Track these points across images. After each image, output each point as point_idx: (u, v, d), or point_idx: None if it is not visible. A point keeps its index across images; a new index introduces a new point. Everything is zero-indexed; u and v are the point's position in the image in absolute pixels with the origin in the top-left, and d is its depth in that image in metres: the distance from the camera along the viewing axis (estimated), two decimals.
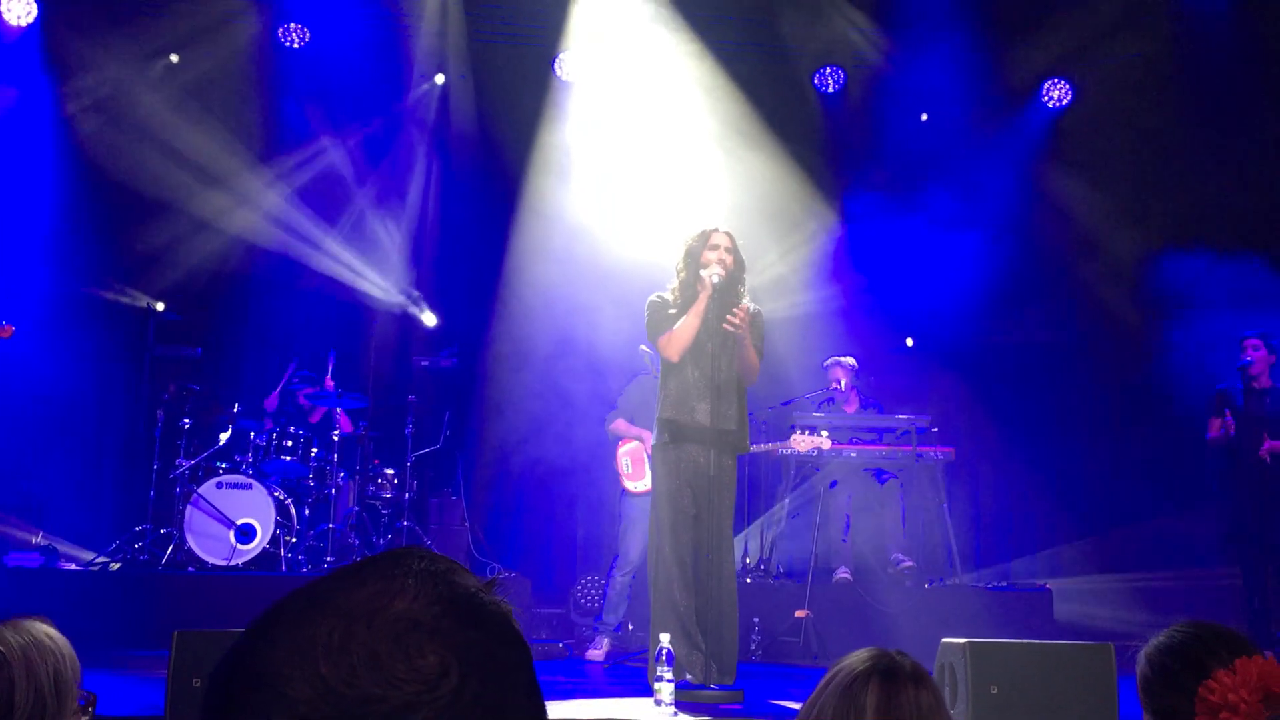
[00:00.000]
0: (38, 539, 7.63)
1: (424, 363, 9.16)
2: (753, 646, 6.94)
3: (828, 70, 9.54)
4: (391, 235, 9.57)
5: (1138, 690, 1.80)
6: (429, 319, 9.53)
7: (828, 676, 1.61)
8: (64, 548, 7.74)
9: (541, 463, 9.14)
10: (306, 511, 7.85)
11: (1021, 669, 3.88)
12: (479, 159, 9.60)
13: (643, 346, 6.90)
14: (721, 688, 4.82)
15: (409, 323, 9.55)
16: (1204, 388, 7.47)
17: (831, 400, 8.03)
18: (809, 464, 7.66)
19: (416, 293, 9.55)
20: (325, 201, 9.42)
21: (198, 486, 7.33)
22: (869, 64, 9.53)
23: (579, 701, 4.71)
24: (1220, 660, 1.63)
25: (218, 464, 7.62)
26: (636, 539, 6.84)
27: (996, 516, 9.38)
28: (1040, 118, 9.55)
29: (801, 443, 6.50)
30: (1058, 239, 9.65)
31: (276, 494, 7.47)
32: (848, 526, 7.74)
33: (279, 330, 9.30)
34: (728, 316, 4.99)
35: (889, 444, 7.68)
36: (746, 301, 5.25)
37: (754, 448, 5.57)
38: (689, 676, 4.88)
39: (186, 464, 7.56)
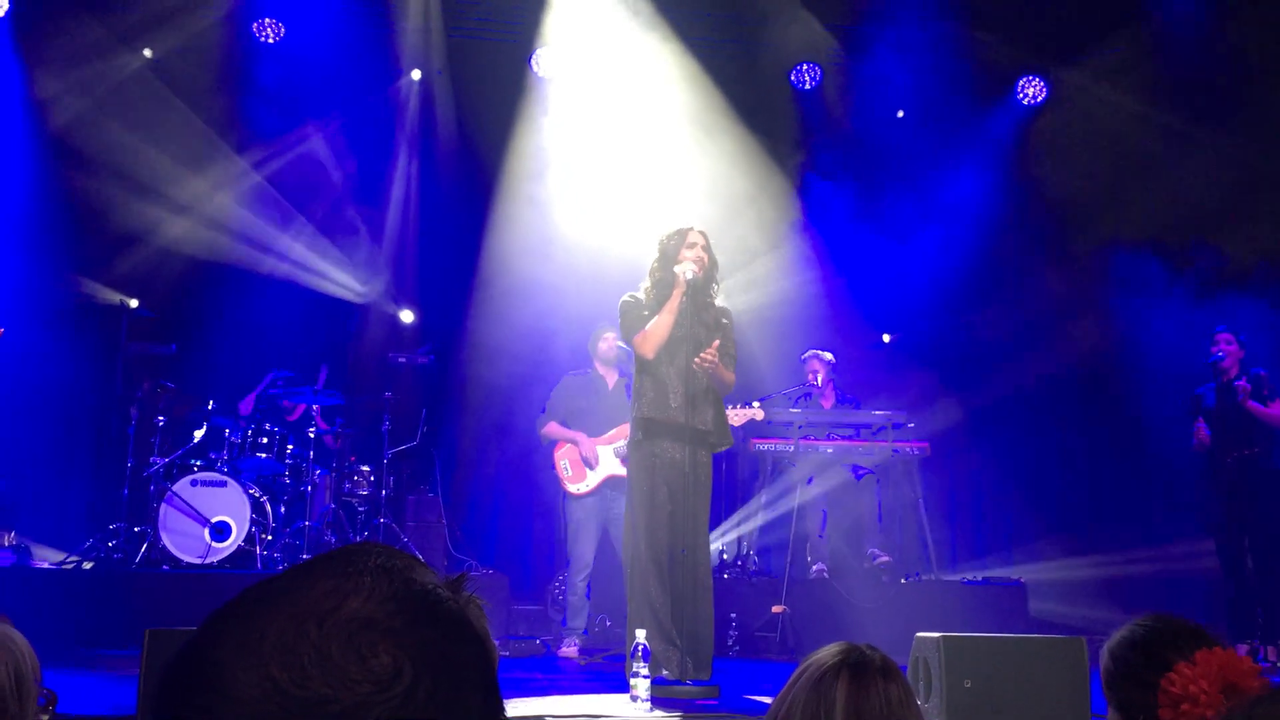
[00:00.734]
0: (10, 538, 7.56)
1: (401, 360, 9.12)
2: (729, 642, 6.95)
3: (804, 67, 9.55)
4: (367, 232, 9.53)
5: (1102, 685, 1.81)
6: (406, 316, 9.50)
7: (798, 671, 1.62)
8: (37, 547, 7.67)
9: (519, 460, 9.13)
10: (282, 509, 7.81)
11: (995, 663, 3.90)
12: (456, 155, 9.57)
13: (619, 343, 6.89)
14: (697, 683, 4.83)
15: (386, 320, 9.51)
16: (1176, 382, 7.52)
17: (808, 395, 8.04)
18: (785, 460, 7.67)
19: (394, 289, 9.52)
20: (301, 197, 9.38)
21: (172, 484, 7.28)
22: (845, 61, 9.55)
23: (555, 698, 4.70)
24: (1182, 653, 1.64)
25: (192, 461, 7.56)
26: (587, 540, 6.84)
27: (972, 511, 9.43)
28: (1015, 114, 9.60)
29: (735, 416, 6.49)
30: (1033, 235, 9.72)
31: (252, 491, 7.42)
32: (824, 522, 7.76)
33: (254, 327, 9.24)
34: (697, 359, 5.00)
35: (865, 439, 7.70)
36: (719, 301, 5.30)
37: None
38: (665, 672, 4.89)
39: (161, 461, 7.50)
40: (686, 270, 5.10)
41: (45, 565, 7.42)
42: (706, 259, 5.21)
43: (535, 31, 9.14)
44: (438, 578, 0.72)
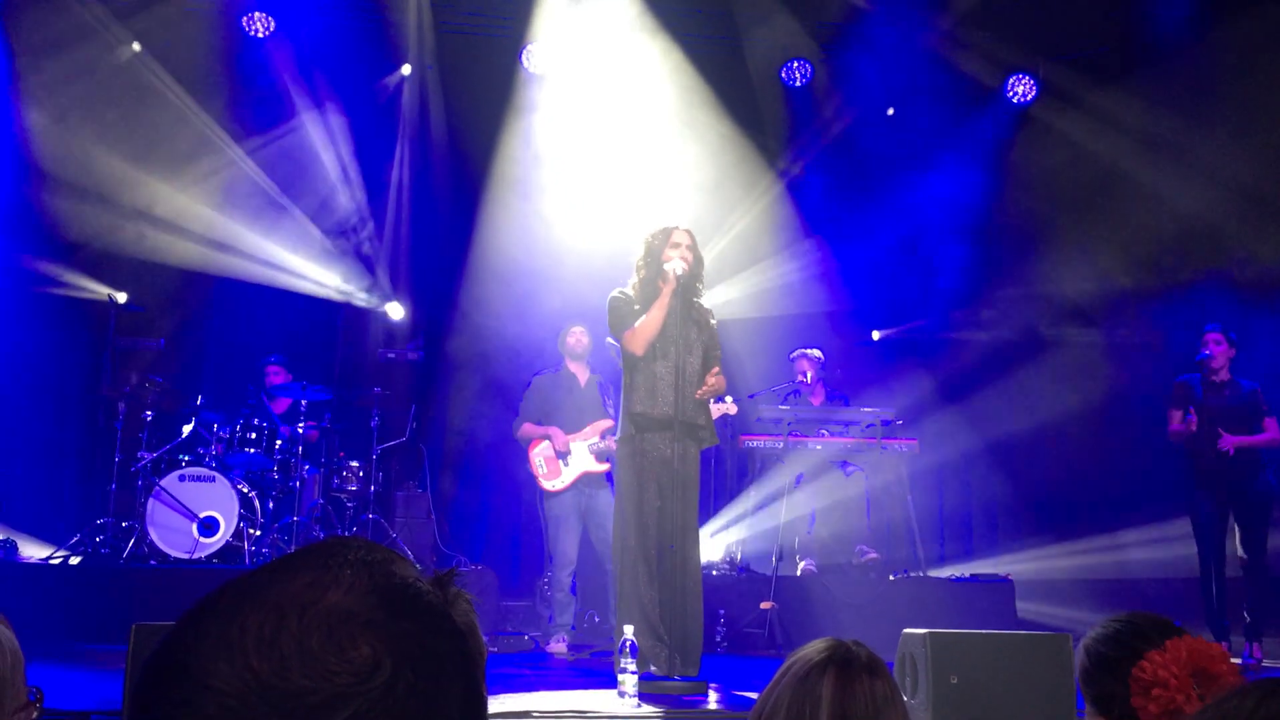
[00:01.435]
0: None
1: (390, 355, 9.11)
2: (718, 638, 6.96)
3: (795, 64, 9.55)
4: (357, 227, 9.51)
5: (1079, 682, 1.83)
6: (395, 311, 9.48)
7: (784, 667, 1.62)
8: (24, 541, 7.64)
9: (508, 456, 9.12)
10: (271, 504, 7.79)
11: (981, 659, 3.91)
12: (446, 150, 9.55)
13: (609, 339, 6.89)
14: (685, 679, 4.84)
15: (375, 315, 9.49)
16: (1165, 381, 7.54)
17: (797, 393, 8.06)
18: (774, 457, 7.69)
19: (384, 285, 9.50)
20: (290, 192, 9.34)
21: (160, 479, 7.25)
22: (836, 59, 9.56)
23: (543, 693, 4.71)
24: (1152, 644, 1.67)
25: (180, 456, 7.53)
26: (568, 536, 6.85)
27: (960, 509, 9.45)
28: (1005, 112, 9.61)
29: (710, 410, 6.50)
30: (1022, 233, 9.74)
31: (240, 487, 7.40)
32: (813, 519, 7.78)
33: (243, 322, 9.22)
34: (699, 392, 5.13)
35: (854, 436, 7.72)
36: (703, 301, 5.36)
37: None
38: (653, 668, 4.89)
39: (148, 456, 7.47)
40: (676, 267, 5.12)
41: (33, 560, 7.39)
42: (692, 257, 5.24)
43: (526, 26, 9.12)
44: (419, 571, 0.72)
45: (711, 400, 6.08)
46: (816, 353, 8.15)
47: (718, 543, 8.01)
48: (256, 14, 8.99)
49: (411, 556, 7.71)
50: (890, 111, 9.72)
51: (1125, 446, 8.79)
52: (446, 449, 9.25)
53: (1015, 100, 9.54)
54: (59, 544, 7.46)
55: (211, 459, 7.55)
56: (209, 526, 7.18)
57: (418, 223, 9.63)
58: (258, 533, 7.48)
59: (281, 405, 8.32)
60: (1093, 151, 9.14)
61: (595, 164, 8.99)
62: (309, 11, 9.05)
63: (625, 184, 8.77)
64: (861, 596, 7.14)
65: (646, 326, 5.13)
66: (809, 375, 8.02)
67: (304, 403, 7.94)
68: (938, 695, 3.83)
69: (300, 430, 7.84)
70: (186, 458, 7.52)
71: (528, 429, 7.03)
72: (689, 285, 5.21)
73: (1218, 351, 6.91)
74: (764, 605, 7.02)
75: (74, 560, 7.20)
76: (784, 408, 7.72)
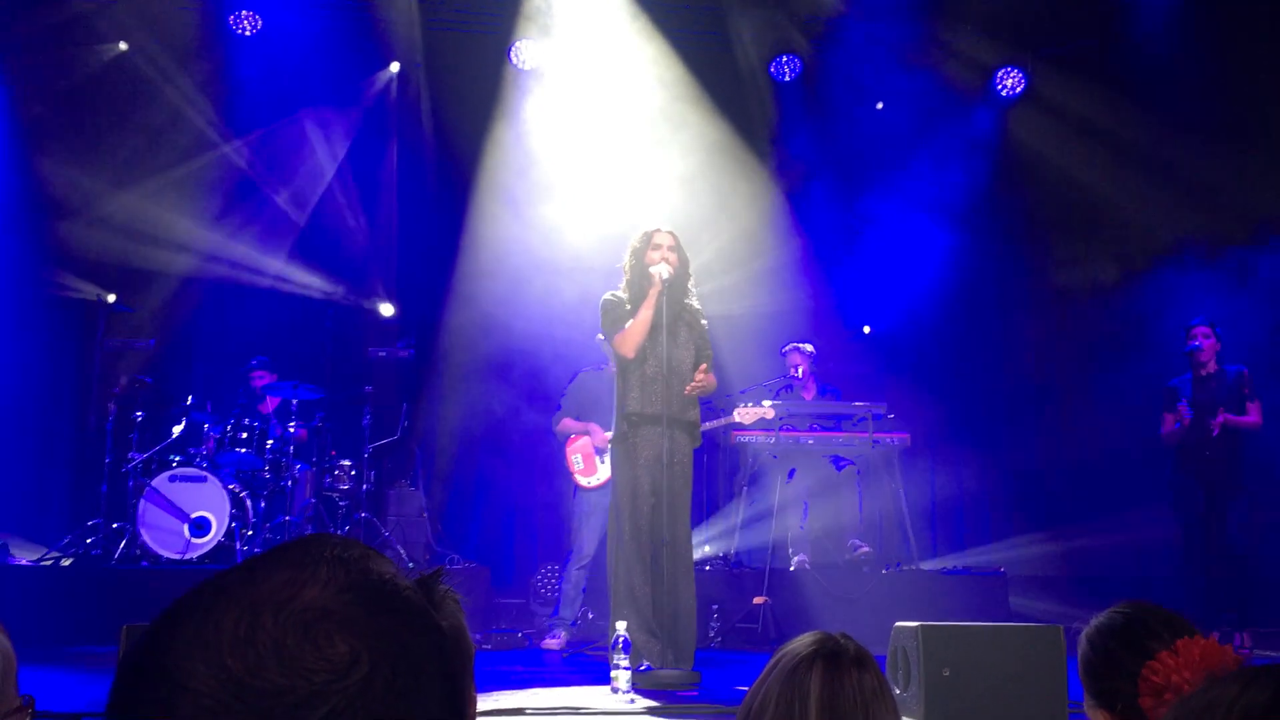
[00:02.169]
0: None
1: (381, 353, 9.09)
2: (711, 633, 6.97)
3: (784, 59, 9.54)
4: (347, 224, 9.48)
5: (1080, 672, 1.81)
6: (386, 309, 9.46)
7: (772, 661, 1.62)
8: (15, 543, 7.62)
9: (500, 453, 9.13)
10: (262, 504, 7.77)
11: (973, 651, 3.92)
12: (435, 148, 9.53)
13: (599, 336, 6.89)
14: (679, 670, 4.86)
15: (365, 313, 9.47)
16: (1157, 377, 7.56)
17: (789, 388, 8.05)
18: (766, 452, 7.69)
19: (373, 283, 9.48)
20: (278, 190, 9.31)
21: (151, 480, 7.23)
22: (825, 53, 9.56)
23: (537, 690, 4.71)
24: (1161, 641, 1.63)
25: (171, 457, 7.50)
26: (591, 532, 6.87)
27: (952, 502, 9.46)
28: (994, 107, 9.62)
29: (746, 415, 6.54)
30: (1011, 227, 9.76)
31: (231, 487, 7.39)
32: (805, 513, 7.79)
33: (232, 322, 9.20)
34: (687, 388, 5.18)
35: (846, 431, 7.71)
36: (692, 302, 5.42)
37: (703, 425, 5.68)
38: (647, 663, 4.91)
39: (139, 457, 7.45)
40: (662, 270, 5.21)
41: (23, 562, 7.36)
42: (675, 259, 5.31)
43: (514, 24, 9.11)
44: (398, 568, 0.71)
45: (749, 404, 6.21)
46: (809, 347, 8.15)
47: (711, 539, 8.01)
48: (244, 12, 8.97)
49: (404, 555, 7.71)
50: (879, 105, 9.72)
51: (1119, 439, 8.80)
52: (438, 447, 9.23)
53: (1004, 94, 9.55)
54: (50, 545, 7.44)
55: (202, 459, 7.53)
56: (200, 527, 7.16)
57: (407, 220, 9.60)
58: (250, 533, 7.46)
59: (272, 405, 8.30)
60: (1082, 144, 9.15)
61: (584, 160, 8.97)
62: (297, 9, 9.02)
63: (615, 180, 8.75)
64: (854, 590, 7.15)
65: (634, 330, 5.21)
66: (801, 370, 8.02)
67: (295, 402, 7.92)
68: (930, 688, 3.84)
69: (291, 429, 7.82)
70: (177, 458, 7.49)
71: (567, 424, 7.06)
72: (677, 286, 5.29)
73: (1206, 345, 6.96)
74: (757, 600, 7.03)
75: (65, 562, 7.18)
76: (776, 402, 7.71)
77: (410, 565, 7.51)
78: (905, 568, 7.58)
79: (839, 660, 1.57)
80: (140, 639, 0.65)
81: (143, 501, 7.16)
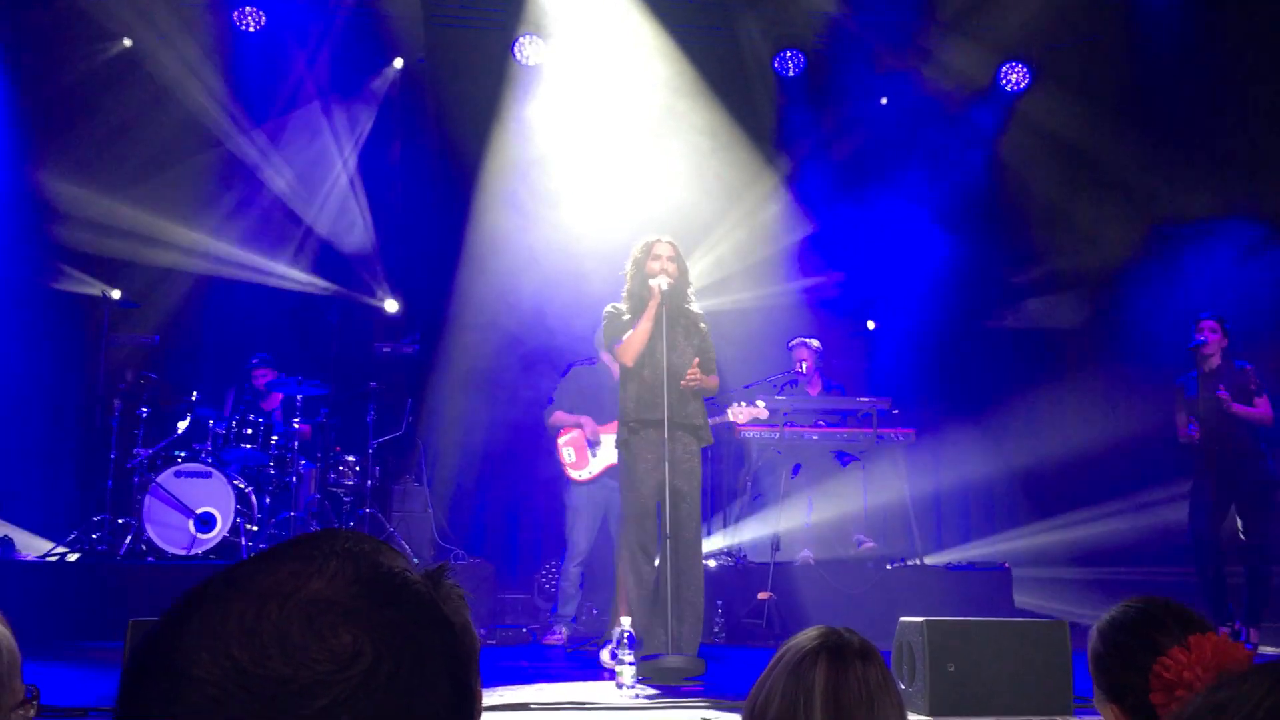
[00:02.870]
0: None
1: (386, 349, 9.09)
2: (716, 629, 6.97)
3: (788, 54, 9.53)
4: (351, 220, 9.49)
5: (1089, 666, 1.79)
6: (391, 305, 9.47)
7: (777, 656, 1.63)
8: (21, 538, 7.64)
9: (505, 449, 9.13)
10: (268, 500, 7.77)
11: (978, 646, 3.93)
12: (439, 143, 9.54)
13: (598, 341, 6.90)
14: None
15: (370, 309, 9.48)
16: (1164, 372, 7.54)
17: (795, 383, 8.05)
18: (771, 447, 7.69)
19: (378, 278, 9.48)
20: (283, 186, 9.31)
21: (156, 475, 7.24)
22: (829, 48, 9.54)
23: (541, 685, 4.72)
24: (1173, 637, 1.62)
25: (176, 453, 7.51)
26: (584, 529, 6.87)
27: (957, 498, 9.46)
28: (999, 101, 9.60)
29: (740, 414, 6.54)
30: (1017, 221, 9.74)
31: (236, 482, 7.39)
32: (810, 509, 7.79)
33: (237, 317, 9.21)
34: (683, 382, 5.29)
35: (851, 426, 7.71)
36: (692, 307, 5.52)
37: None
38: (655, 652, 4.92)
39: (145, 453, 7.45)
40: (661, 282, 5.32)
41: (29, 557, 7.38)
42: (675, 269, 5.42)
43: (517, 19, 9.10)
44: (409, 562, 0.72)
45: (741, 404, 6.26)
46: (815, 342, 8.15)
47: (715, 534, 8.02)
48: (248, 8, 8.97)
49: (409, 551, 7.72)
50: (884, 101, 9.71)
51: (1126, 435, 8.79)
52: (443, 442, 9.23)
53: (1009, 89, 9.53)
54: (56, 541, 7.45)
55: (207, 455, 7.53)
56: (206, 522, 7.17)
57: (412, 215, 9.61)
58: (254, 528, 7.47)
59: (276, 400, 8.31)
60: (1087, 137, 9.14)
61: (589, 156, 8.97)
62: (301, 5, 9.02)
63: (619, 176, 8.75)
64: (859, 586, 7.15)
65: (634, 340, 5.34)
66: (806, 365, 8.02)
67: (300, 398, 7.93)
68: (935, 683, 3.85)
69: (296, 425, 7.83)
70: (182, 454, 7.50)
71: (559, 416, 7.06)
72: (677, 294, 5.42)
73: (1212, 339, 6.94)
74: (762, 595, 7.03)
75: (71, 557, 7.19)
76: (781, 398, 7.71)
77: (415, 561, 7.50)
78: (910, 563, 7.59)
79: (843, 654, 1.57)
80: (151, 630, 0.65)
81: (148, 497, 7.17)
